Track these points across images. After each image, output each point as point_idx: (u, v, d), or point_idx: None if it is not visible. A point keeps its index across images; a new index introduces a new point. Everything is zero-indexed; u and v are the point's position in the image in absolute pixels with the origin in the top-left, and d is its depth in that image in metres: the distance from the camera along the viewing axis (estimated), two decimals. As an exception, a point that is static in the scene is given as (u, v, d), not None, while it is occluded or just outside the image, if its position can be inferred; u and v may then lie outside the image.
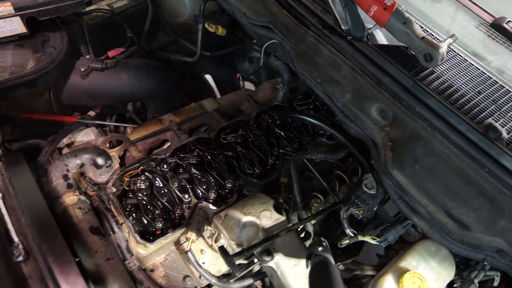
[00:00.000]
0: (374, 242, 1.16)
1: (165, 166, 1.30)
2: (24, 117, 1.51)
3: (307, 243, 1.23)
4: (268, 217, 1.19)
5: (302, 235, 1.28)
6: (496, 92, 1.17)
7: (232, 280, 1.19)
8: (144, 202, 1.23)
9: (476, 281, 1.04)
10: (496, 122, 1.05)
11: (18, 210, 1.03)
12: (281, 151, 1.44)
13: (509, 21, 1.33)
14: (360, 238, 1.17)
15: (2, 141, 1.34)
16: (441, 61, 1.09)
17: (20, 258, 0.93)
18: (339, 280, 0.88)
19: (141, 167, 1.30)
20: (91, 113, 1.69)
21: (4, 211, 1.02)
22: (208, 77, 1.88)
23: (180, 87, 1.98)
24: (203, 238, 1.21)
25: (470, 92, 1.14)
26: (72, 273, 0.92)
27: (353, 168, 1.45)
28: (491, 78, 1.21)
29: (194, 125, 1.58)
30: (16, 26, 1.46)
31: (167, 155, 1.33)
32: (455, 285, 1.11)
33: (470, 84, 1.17)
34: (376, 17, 1.10)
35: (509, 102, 1.16)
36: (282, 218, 1.21)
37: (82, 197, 1.23)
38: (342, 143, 1.37)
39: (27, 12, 1.45)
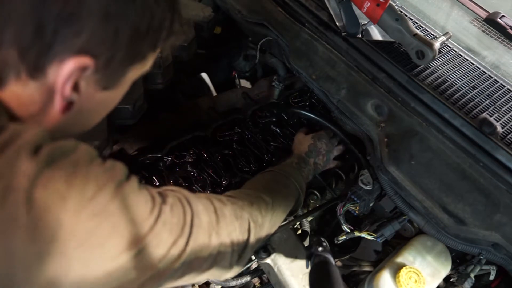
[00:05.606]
0: (370, 237, 1.16)
1: (161, 164, 1.30)
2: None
3: (305, 241, 1.23)
4: (265, 214, 1.19)
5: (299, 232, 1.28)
6: (491, 87, 1.17)
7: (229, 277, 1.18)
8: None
9: (472, 275, 1.05)
10: (491, 116, 1.05)
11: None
12: (273, 144, 1.44)
13: (503, 16, 1.33)
14: (357, 234, 1.18)
15: None
16: (432, 59, 1.09)
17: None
18: (340, 280, 0.87)
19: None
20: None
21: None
22: (204, 75, 1.87)
23: (176, 86, 1.97)
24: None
25: (464, 87, 1.14)
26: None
27: (350, 165, 1.45)
28: (486, 73, 1.21)
29: (190, 123, 1.57)
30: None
31: (163, 153, 1.32)
32: (451, 280, 1.11)
33: (464, 79, 1.17)
34: (369, 14, 1.10)
35: (504, 96, 1.16)
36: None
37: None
38: (340, 139, 1.37)
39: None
